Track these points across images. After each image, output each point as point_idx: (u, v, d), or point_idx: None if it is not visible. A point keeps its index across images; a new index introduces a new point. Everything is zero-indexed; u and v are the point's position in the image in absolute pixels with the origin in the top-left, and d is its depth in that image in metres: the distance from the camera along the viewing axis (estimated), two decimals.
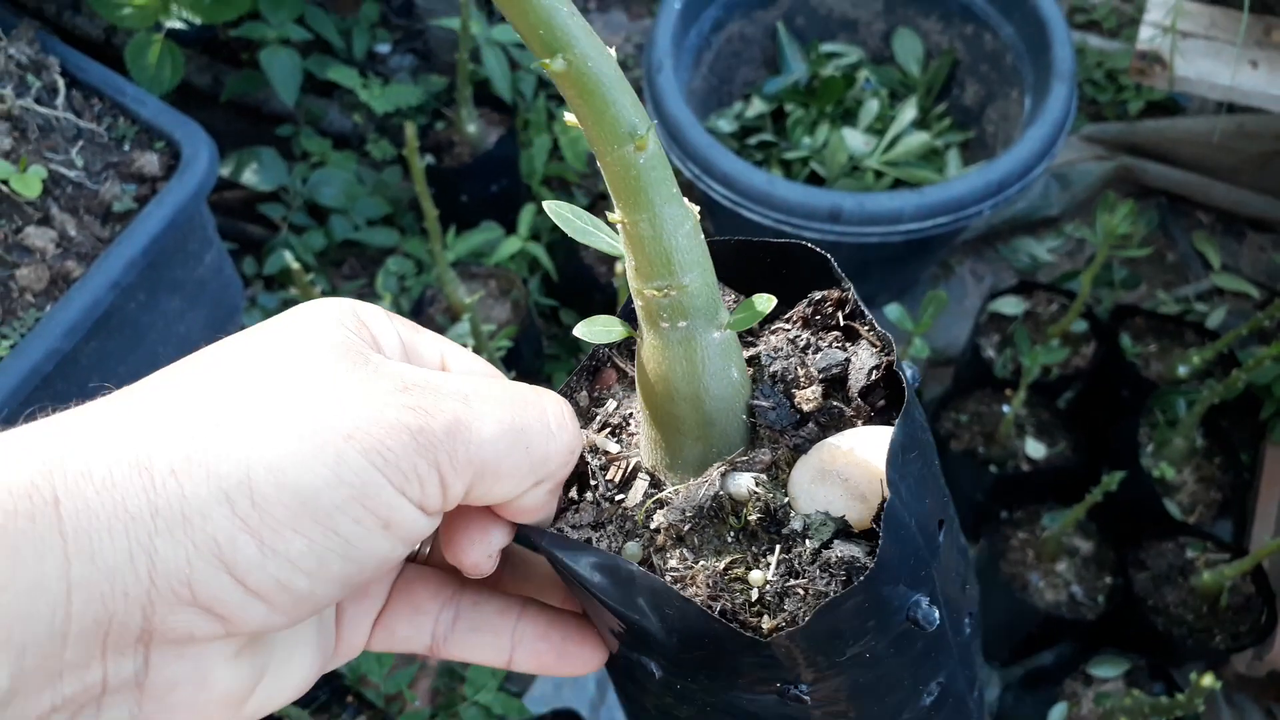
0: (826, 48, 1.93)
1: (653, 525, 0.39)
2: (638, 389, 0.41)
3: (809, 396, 0.40)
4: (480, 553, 0.39)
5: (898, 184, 1.76)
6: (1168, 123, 2.06)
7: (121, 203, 1.31)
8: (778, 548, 0.38)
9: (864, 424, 0.40)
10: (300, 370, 0.34)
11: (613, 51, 0.33)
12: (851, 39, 1.97)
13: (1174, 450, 1.59)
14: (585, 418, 0.44)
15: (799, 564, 0.37)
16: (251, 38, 1.75)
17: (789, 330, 0.43)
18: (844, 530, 0.37)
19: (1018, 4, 1.75)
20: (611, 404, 0.44)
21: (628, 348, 0.45)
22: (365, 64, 2.07)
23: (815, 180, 1.80)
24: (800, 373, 0.41)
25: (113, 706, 0.32)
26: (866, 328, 0.42)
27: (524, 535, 0.40)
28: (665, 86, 1.63)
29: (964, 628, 0.44)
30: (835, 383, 0.41)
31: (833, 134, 1.79)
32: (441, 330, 1.68)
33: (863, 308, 0.42)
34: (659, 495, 0.40)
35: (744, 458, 0.40)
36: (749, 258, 0.41)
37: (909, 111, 1.81)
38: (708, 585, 0.37)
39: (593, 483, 0.41)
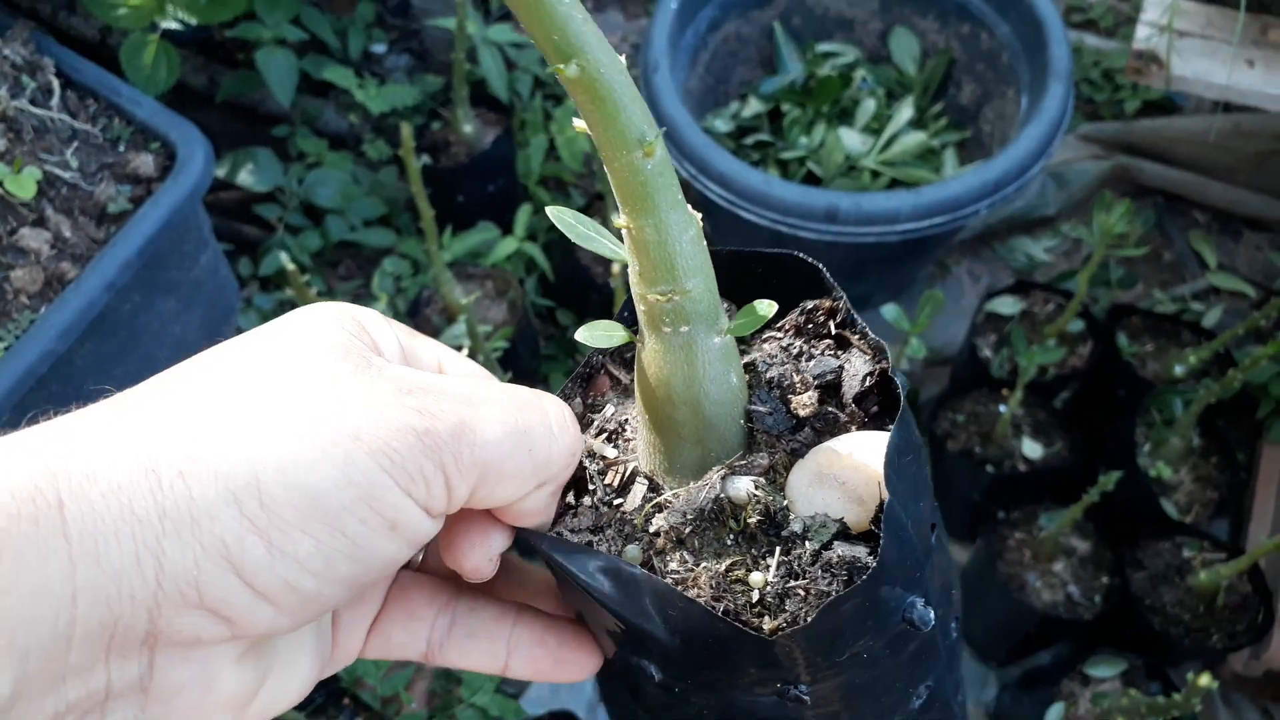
0: (823, 47, 1.93)
1: (652, 529, 0.40)
2: (637, 393, 0.41)
3: (805, 402, 0.41)
4: (481, 556, 0.39)
5: (894, 184, 1.76)
6: (1164, 122, 2.06)
7: (116, 204, 1.31)
8: (777, 549, 0.38)
9: (858, 429, 0.41)
10: (304, 372, 0.34)
11: (623, 59, 0.34)
12: (848, 38, 1.97)
13: (1171, 450, 1.59)
14: (581, 423, 0.45)
15: (799, 565, 0.37)
16: (247, 38, 1.75)
17: (781, 338, 0.44)
18: (843, 532, 0.38)
19: (1014, 3, 1.75)
20: (609, 409, 0.44)
21: (620, 355, 0.45)
22: (361, 64, 2.07)
23: (812, 180, 1.80)
24: (796, 379, 0.41)
25: (117, 711, 0.32)
26: (858, 336, 0.42)
27: (523, 539, 0.40)
28: (662, 86, 1.63)
29: (951, 631, 0.45)
30: (829, 389, 0.41)
31: (829, 134, 1.79)
32: (438, 331, 1.68)
33: (855, 316, 0.42)
34: (658, 499, 0.40)
35: (742, 462, 0.40)
36: (741, 268, 0.42)
37: (905, 111, 1.81)
38: (710, 586, 0.38)
39: (590, 487, 0.42)
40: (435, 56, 2.15)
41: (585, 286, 1.84)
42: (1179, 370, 1.62)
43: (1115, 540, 1.55)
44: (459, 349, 1.48)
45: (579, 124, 0.35)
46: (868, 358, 0.42)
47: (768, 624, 0.37)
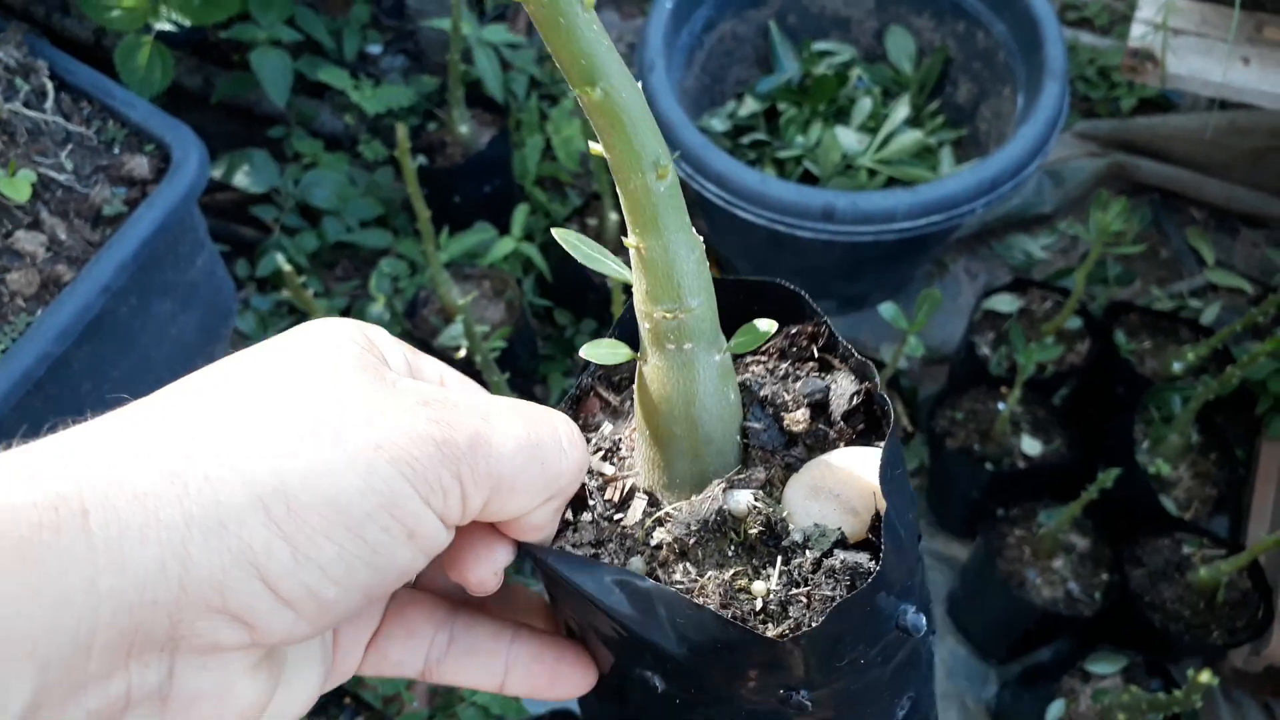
0: (819, 46, 1.93)
1: (653, 542, 0.41)
2: (637, 409, 0.42)
3: (797, 419, 0.43)
4: (487, 569, 0.40)
5: (891, 182, 1.76)
6: (1160, 119, 2.06)
7: (112, 206, 1.30)
8: (779, 559, 0.39)
9: (846, 445, 0.42)
10: (323, 382, 0.35)
11: (639, 85, 0.35)
12: (844, 37, 1.96)
13: (1169, 446, 1.59)
14: None
15: (800, 574, 0.39)
16: (242, 39, 1.74)
17: (766, 362, 0.46)
18: (841, 541, 0.39)
19: (1009, 2, 1.75)
20: (606, 428, 0.46)
21: (608, 378, 0.47)
22: (356, 65, 2.07)
23: (809, 179, 1.80)
24: (787, 397, 0.43)
25: None
26: (839, 358, 0.44)
27: (526, 554, 0.41)
28: (657, 86, 1.62)
29: (930, 644, 0.46)
30: (818, 407, 0.43)
31: (826, 133, 1.79)
32: (435, 331, 1.68)
33: (837, 339, 0.44)
34: (658, 514, 0.42)
35: (740, 476, 0.42)
36: (723, 295, 0.43)
37: (902, 110, 1.81)
38: (718, 594, 0.39)
39: (590, 503, 0.43)
40: (430, 57, 2.15)
41: (583, 286, 1.83)
42: (1177, 367, 1.62)
43: (1115, 537, 1.55)
44: (457, 350, 1.48)
45: (596, 147, 0.36)
46: (853, 377, 0.43)
47: (771, 631, 0.38)
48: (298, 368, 0.35)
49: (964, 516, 1.73)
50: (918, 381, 1.91)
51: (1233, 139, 1.97)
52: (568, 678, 0.43)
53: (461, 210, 1.88)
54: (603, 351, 0.42)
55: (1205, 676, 1.13)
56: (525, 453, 0.37)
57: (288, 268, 1.20)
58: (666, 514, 0.41)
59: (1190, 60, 1.61)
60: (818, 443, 0.43)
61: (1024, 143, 1.56)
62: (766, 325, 0.42)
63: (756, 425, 0.43)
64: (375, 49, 2.12)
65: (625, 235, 0.38)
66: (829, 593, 0.37)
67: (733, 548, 0.40)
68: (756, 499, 0.40)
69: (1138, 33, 1.62)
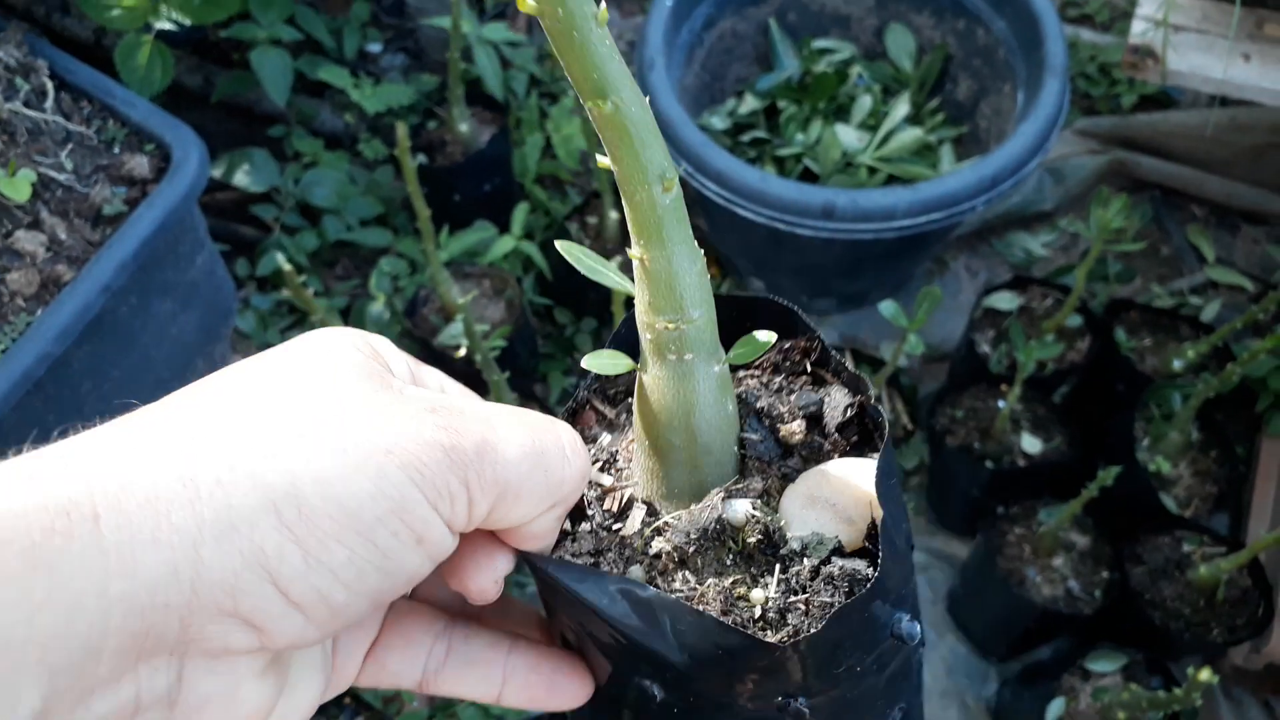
0: (819, 44, 1.93)
1: (652, 551, 0.41)
2: (636, 419, 0.43)
3: (793, 430, 0.43)
4: (488, 577, 0.40)
5: (891, 180, 1.76)
6: (1161, 116, 2.06)
7: (112, 206, 1.30)
8: (777, 567, 0.40)
9: (839, 457, 0.43)
10: (331, 389, 0.35)
11: (647, 100, 0.36)
12: (844, 35, 1.96)
13: (1170, 444, 1.59)
14: None
15: (798, 581, 0.39)
16: (242, 38, 1.74)
17: (760, 375, 0.46)
18: (838, 550, 0.40)
19: None
20: (604, 439, 0.46)
21: (604, 391, 0.48)
22: (356, 64, 2.07)
23: (809, 177, 1.80)
24: (782, 409, 0.44)
25: None
26: (832, 373, 0.45)
27: (526, 563, 0.41)
28: (657, 84, 1.62)
29: (920, 656, 0.46)
30: (812, 420, 0.44)
31: (826, 130, 1.79)
32: (435, 330, 1.68)
33: (830, 353, 0.45)
34: (657, 523, 0.42)
35: (737, 486, 0.43)
36: (717, 311, 0.43)
37: (902, 107, 1.81)
38: (719, 601, 0.39)
39: (589, 513, 0.43)
40: (430, 55, 2.15)
41: (583, 285, 1.83)
42: (1177, 364, 1.62)
43: (1115, 535, 1.55)
44: (457, 349, 1.48)
45: (604, 160, 0.37)
46: (846, 391, 0.44)
47: (771, 638, 0.38)
48: (305, 374, 0.36)
49: (964, 514, 1.73)
50: (918, 379, 1.91)
51: (1233, 136, 1.96)
52: (565, 688, 0.43)
53: (461, 209, 1.88)
54: (604, 362, 0.43)
55: (1205, 674, 1.13)
56: (530, 460, 0.37)
57: (288, 267, 1.20)
58: (665, 523, 0.42)
59: (1191, 57, 1.61)
60: (813, 454, 0.43)
61: (1024, 140, 1.56)
62: (766, 336, 0.42)
63: (753, 436, 0.43)
64: (375, 47, 2.12)
65: (629, 245, 0.39)
66: (828, 599, 0.38)
67: (731, 556, 0.41)
68: (754, 508, 0.41)
69: (1138, 29, 1.62)
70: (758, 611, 0.39)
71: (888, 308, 1.34)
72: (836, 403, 0.44)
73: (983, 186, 1.52)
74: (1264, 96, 1.58)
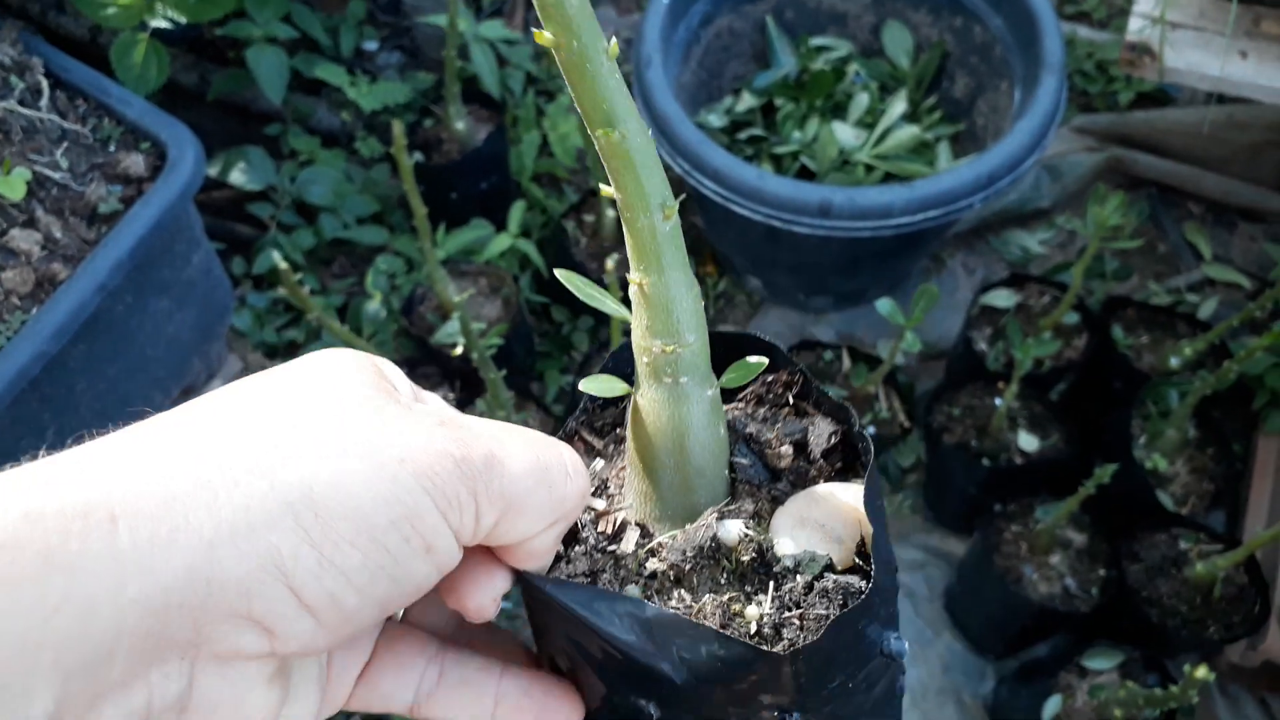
0: (816, 41, 1.93)
1: (648, 570, 0.42)
2: (630, 442, 0.44)
3: (782, 454, 0.45)
4: (486, 595, 0.41)
5: (888, 177, 1.76)
6: (1158, 114, 2.06)
7: (107, 204, 1.30)
8: (770, 584, 0.41)
9: (825, 481, 0.45)
10: (342, 400, 0.36)
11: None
12: (841, 32, 1.96)
13: (1166, 442, 1.59)
14: None
15: (792, 597, 0.40)
16: (238, 36, 1.74)
17: (744, 407, 0.48)
18: (830, 567, 0.41)
19: None
20: (596, 465, 0.48)
21: (591, 423, 0.50)
22: (353, 61, 2.06)
23: (806, 174, 1.80)
24: (770, 435, 0.46)
25: None
26: (814, 405, 0.47)
27: (523, 583, 0.41)
28: (654, 82, 1.62)
29: (903, 682, 0.48)
30: (798, 446, 0.46)
31: (823, 128, 1.79)
32: (432, 328, 1.68)
33: (813, 386, 0.47)
34: (652, 544, 0.43)
35: (729, 508, 0.44)
36: None
37: (899, 105, 1.80)
38: (717, 615, 0.40)
39: (583, 535, 0.44)
40: (427, 53, 2.15)
41: None
42: (1174, 362, 1.62)
43: (1112, 532, 1.55)
44: (454, 347, 1.48)
45: (607, 189, 0.38)
46: (830, 420, 0.46)
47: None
48: (317, 385, 0.37)
49: (961, 512, 1.73)
50: (915, 377, 1.91)
51: (1230, 133, 1.96)
52: (556, 712, 0.44)
53: (458, 207, 1.88)
54: (601, 385, 0.44)
55: (1202, 672, 1.13)
56: (534, 475, 0.38)
57: (284, 265, 1.20)
58: (660, 544, 0.43)
59: (1188, 54, 1.61)
60: (800, 478, 0.45)
61: (1021, 137, 1.56)
62: (758, 360, 0.44)
63: (743, 461, 0.45)
64: (371, 45, 2.12)
65: (629, 271, 0.40)
66: (823, 611, 0.39)
67: (725, 575, 0.42)
68: (747, 528, 0.42)
69: (1135, 26, 1.62)
70: (753, 627, 0.40)
71: (885, 305, 1.34)
72: (821, 430, 0.45)
73: (980, 184, 1.52)
74: (1261, 94, 1.58)
